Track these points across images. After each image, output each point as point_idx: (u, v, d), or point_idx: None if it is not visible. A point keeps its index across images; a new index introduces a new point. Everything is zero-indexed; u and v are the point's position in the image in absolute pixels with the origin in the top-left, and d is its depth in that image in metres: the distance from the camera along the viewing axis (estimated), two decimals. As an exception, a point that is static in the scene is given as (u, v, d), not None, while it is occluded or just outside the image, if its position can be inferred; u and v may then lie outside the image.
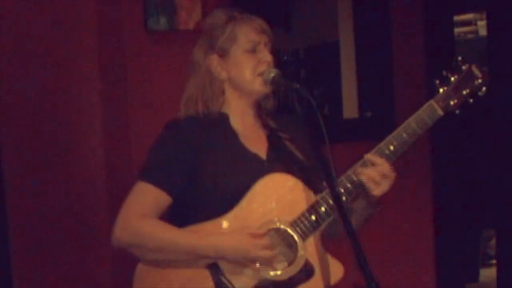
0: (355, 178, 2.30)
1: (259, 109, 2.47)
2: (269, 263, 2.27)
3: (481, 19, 6.46)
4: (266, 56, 2.37)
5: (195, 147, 2.33)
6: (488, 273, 5.85)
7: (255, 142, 2.41)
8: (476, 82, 2.35)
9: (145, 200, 2.32)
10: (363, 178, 2.28)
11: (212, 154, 2.34)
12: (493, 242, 6.26)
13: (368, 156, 2.30)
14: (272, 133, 2.45)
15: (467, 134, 4.97)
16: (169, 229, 2.30)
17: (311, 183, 2.36)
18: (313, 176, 2.36)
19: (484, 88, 2.35)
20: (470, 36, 6.67)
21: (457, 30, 5.86)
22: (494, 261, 5.77)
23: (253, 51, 2.37)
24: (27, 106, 3.54)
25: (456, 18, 5.63)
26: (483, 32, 6.30)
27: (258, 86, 2.37)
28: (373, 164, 2.29)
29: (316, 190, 2.34)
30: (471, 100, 2.35)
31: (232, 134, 2.40)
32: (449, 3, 4.96)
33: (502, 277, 4.97)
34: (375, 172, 2.28)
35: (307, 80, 4.90)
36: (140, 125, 3.65)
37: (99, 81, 3.61)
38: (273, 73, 2.35)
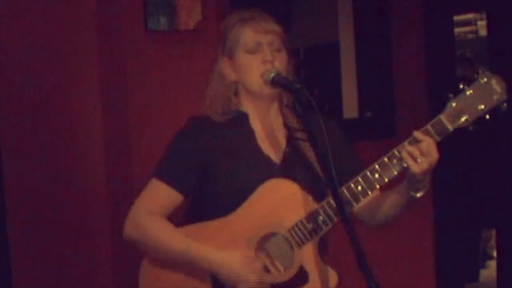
0: (399, 155, 2.24)
1: (281, 106, 2.46)
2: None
3: (481, 19, 6.46)
4: (266, 56, 2.36)
5: (210, 146, 2.37)
6: (488, 273, 5.85)
7: (273, 143, 2.42)
8: (494, 97, 2.21)
9: (156, 198, 2.38)
10: (403, 155, 2.22)
11: (226, 154, 2.36)
12: (492, 242, 6.27)
13: (415, 133, 2.22)
14: (291, 134, 2.44)
15: (467, 134, 4.96)
16: (170, 231, 2.35)
17: (319, 188, 2.35)
18: (323, 182, 2.33)
19: (505, 104, 2.20)
20: (470, 36, 6.67)
21: (457, 30, 5.86)
22: (493, 262, 5.78)
23: (254, 51, 2.37)
24: (27, 106, 3.54)
25: (456, 18, 5.63)
26: (483, 32, 6.30)
27: (260, 87, 2.37)
28: (418, 141, 2.21)
29: (323, 194, 2.34)
30: (487, 117, 2.23)
31: (249, 134, 2.41)
32: (449, 3, 4.95)
33: (502, 277, 4.97)
34: (415, 149, 2.20)
35: (307, 80, 4.90)
36: (140, 125, 3.65)
37: (99, 81, 3.61)
38: (273, 73, 2.34)
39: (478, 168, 5.12)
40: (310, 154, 2.39)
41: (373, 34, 4.69)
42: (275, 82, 2.33)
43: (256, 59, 2.37)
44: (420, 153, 2.20)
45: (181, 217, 2.43)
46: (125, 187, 3.52)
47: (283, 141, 2.43)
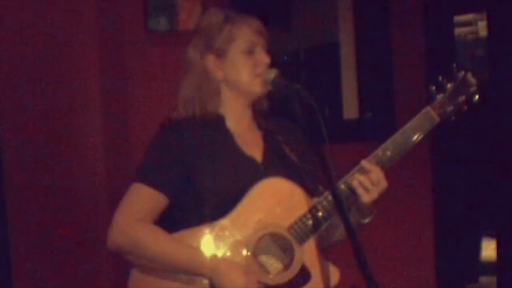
0: (350, 184, 2.28)
1: (254, 110, 2.45)
2: None
3: (482, 20, 6.46)
4: (263, 57, 2.36)
5: (190, 148, 2.32)
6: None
7: (251, 144, 2.40)
8: (471, 90, 2.36)
9: (141, 202, 2.30)
10: (354, 184, 2.27)
11: (207, 156, 2.32)
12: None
13: (364, 162, 2.29)
14: (267, 134, 2.44)
15: (467, 135, 4.97)
16: (166, 240, 2.27)
17: (305, 186, 2.34)
18: (307, 179, 2.35)
19: (477, 97, 2.35)
20: (470, 36, 6.66)
21: (457, 30, 5.87)
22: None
23: (250, 52, 2.36)
24: (27, 106, 3.54)
25: (457, 18, 5.63)
26: (483, 32, 6.30)
27: (257, 87, 2.35)
28: (367, 170, 2.27)
29: (310, 193, 2.33)
30: (465, 107, 2.36)
31: (227, 136, 2.38)
32: (449, 3, 4.96)
33: (502, 278, 4.97)
34: (365, 178, 2.26)
35: (307, 81, 4.90)
36: (140, 125, 3.65)
37: (99, 81, 3.61)
38: (273, 73, 2.33)
39: (478, 168, 5.12)
40: (290, 154, 2.39)
41: (373, 34, 4.70)
42: (275, 82, 2.33)
43: (251, 59, 2.35)
44: (370, 183, 2.26)
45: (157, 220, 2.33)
46: (125, 187, 3.51)
47: (260, 142, 2.42)
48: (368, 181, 2.26)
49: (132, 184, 2.33)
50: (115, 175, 3.62)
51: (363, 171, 2.28)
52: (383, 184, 2.28)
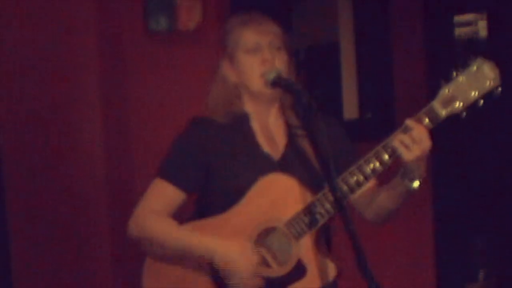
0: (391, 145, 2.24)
1: (282, 105, 2.48)
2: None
3: (482, 20, 6.46)
4: (266, 55, 2.38)
5: (213, 146, 2.40)
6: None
7: (273, 141, 2.44)
8: (486, 83, 2.22)
9: (159, 196, 2.42)
10: (395, 143, 2.22)
11: (226, 153, 2.39)
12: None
13: (407, 122, 2.23)
14: (292, 130, 2.46)
15: (467, 135, 4.96)
16: (169, 225, 2.39)
17: (318, 185, 2.35)
18: (321, 177, 2.34)
19: (499, 89, 2.21)
20: (470, 36, 6.66)
21: (457, 30, 5.87)
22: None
23: (254, 52, 2.39)
24: (27, 106, 3.54)
25: (457, 18, 5.63)
26: (483, 32, 6.30)
27: (261, 87, 2.39)
28: (409, 129, 2.21)
29: (320, 190, 2.34)
30: (481, 102, 2.22)
31: (249, 134, 2.44)
32: (449, 3, 4.95)
33: (502, 278, 4.97)
34: (406, 136, 2.20)
35: (307, 81, 4.90)
36: (140, 125, 3.65)
37: (99, 82, 3.61)
38: (273, 74, 2.35)
39: (479, 169, 5.12)
40: (311, 151, 2.40)
41: (373, 34, 4.70)
42: (276, 83, 2.35)
43: (256, 59, 2.39)
44: (411, 140, 2.20)
45: (190, 217, 2.47)
46: (125, 188, 3.52)
47: (283, 139, 2.46)
48: (409, 139, 2.20)
49: (155, 179, 2.44)
50: (114, 175, 3.62)
51: (406, 130, 2.22)
52: (426, 142, 2.20)
